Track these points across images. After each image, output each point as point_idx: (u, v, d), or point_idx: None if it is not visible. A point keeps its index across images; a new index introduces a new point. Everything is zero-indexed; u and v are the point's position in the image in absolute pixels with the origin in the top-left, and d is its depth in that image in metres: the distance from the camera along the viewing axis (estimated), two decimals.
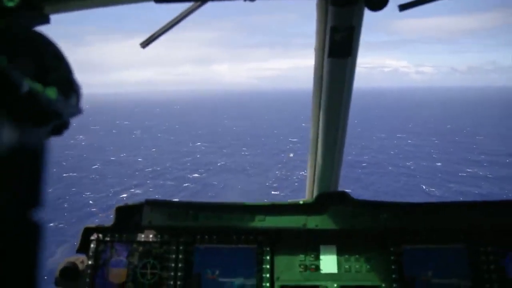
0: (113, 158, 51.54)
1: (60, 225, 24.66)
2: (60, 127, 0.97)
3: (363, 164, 43.98)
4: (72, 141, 64.10)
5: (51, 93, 0.83)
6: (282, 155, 50.45)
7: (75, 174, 40.86)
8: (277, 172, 42.04)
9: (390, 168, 43.03)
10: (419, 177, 38.71)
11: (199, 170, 43.94)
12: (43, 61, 0.86)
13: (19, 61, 0.77)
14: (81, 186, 36.20)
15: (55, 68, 0.89)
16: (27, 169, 0.80)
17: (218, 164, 47.40)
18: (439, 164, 44.42)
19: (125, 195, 33.65)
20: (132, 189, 36.31)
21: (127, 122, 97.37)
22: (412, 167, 43.16)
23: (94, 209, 29.01)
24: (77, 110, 0.97)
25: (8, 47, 0.78)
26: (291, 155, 47.40)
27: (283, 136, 65.86)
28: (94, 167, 45.55)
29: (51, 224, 24.27)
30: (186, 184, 38.36)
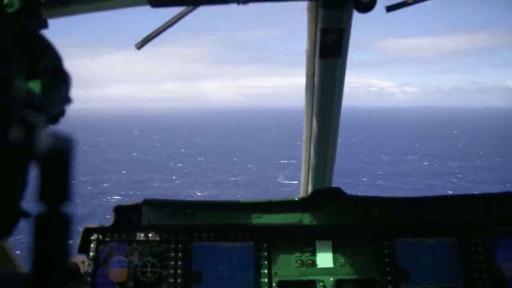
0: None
1: None
2: (56, 116, 0.93)
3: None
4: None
5: (35, 86, 0.81)
6: (278, 180, 41.87)
7: None
8: None
9: None
10: None
11: None
12: (29, 53, 0.83)
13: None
14: None
15: (41, 59, 0.86)
16: (43, 164, 0.75)
17: (199, 194, 38.53)
18: None
19: None
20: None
21: (103, 139, 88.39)
22: None
23: None
24: (66, 100, 0.94)
25: None
26: (286, 181, 38.51)
27: (276, 157, 57.43)
28: None
29: None
30: None
